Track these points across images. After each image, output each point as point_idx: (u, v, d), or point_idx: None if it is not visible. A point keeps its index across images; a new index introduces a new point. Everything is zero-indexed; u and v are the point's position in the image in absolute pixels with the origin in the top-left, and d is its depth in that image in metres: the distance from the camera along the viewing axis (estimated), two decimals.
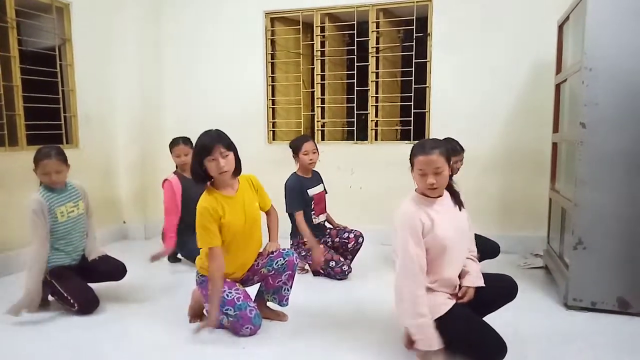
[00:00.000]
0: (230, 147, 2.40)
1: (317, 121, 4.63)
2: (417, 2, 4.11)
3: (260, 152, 4.53)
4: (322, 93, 4.62)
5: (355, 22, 4.39)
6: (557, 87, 3.51)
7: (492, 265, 3.63)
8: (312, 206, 3.47)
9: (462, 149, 3.30)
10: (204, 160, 2.35)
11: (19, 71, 3.65)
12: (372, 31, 4.33)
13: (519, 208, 4.03)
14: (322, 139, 4.66)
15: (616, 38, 2.57)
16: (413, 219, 2.06)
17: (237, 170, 2.48)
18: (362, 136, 4.57)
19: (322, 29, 4.52)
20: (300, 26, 4.54)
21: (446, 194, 2.20)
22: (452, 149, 2.75)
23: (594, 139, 2.64)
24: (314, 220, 3.47)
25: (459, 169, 3.28)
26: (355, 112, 4.50)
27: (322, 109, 4.65)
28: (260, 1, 4.53)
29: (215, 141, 2.35)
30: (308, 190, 3.45)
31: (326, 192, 3.66)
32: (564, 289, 2.83)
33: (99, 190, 4.38)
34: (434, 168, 2.03)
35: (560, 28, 3.43)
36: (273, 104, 4.73)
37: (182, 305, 2.86)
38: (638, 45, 2.54)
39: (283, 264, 2.54)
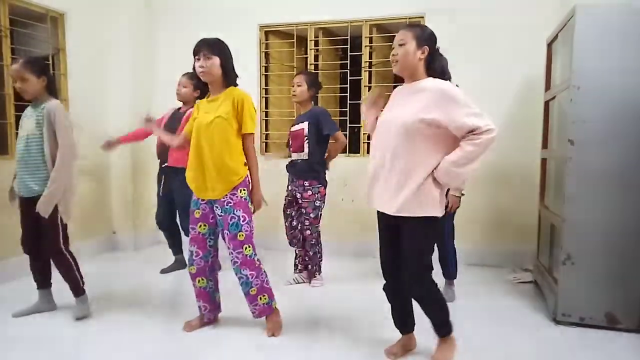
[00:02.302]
0: (217, 52, 2.46)
1: None
2: (409, 18, 4.18)
3: None
4: (316, 104, 4.64)
5: (348, 37, 4.44)
6: (547, 104, 3.57)
7: (482, 280, 3.66)
8: (289, 141, 3.54)
9: None
10: (194, 62, 2.48)
11: (12, 80, 3.63)
12: (365, 46, 4.38)
13: (509, 223, 4.06)
14: None
15: (603, 57, 2.63)
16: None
17: (227, 80, 2.53)
18: (355, 149, 4.59)
19: (316, 43, 4.57)
20: (295, 40, 4.59)
21: (420, 85, 2.10)
22: None
23: (582, 156, 2.68)
24: (291, 155, 3.53)
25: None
26: (348, 125, 4.53)
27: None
28: (255, 15, 4.58)
29: (202, 43, 2.46)
30: (291, 127, 3.54)
31: (316, 133, 3.41)
32: (552, 304, 2.85)
33: (90, 200, 4.35)
34: (399, 39, 2.10)
35: (549, 46, 3.50)
36: (266, 116, 4.75)
37: (173, 316, 2.85)
38: (624, 63, 2.60)
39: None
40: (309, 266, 3.57)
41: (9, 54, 3.63)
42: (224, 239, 2.60)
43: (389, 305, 2.37)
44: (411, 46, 2.06)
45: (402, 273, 2.21)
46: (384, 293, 2.35)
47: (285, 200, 3.58)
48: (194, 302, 2.73)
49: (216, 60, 2.45)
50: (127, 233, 4.64)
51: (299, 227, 3.56)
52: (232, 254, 2.53)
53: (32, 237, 2.81)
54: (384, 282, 2.34)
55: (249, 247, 2.53)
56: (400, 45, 2.07)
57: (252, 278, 2.54)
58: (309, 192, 3.43)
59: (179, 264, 3.91)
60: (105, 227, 4.60)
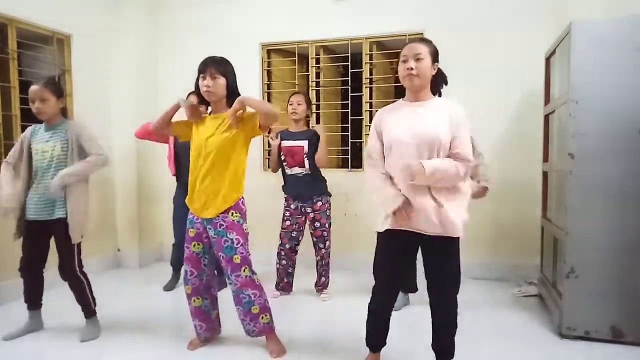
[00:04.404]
0: (224, 72, 2.47)
1: None
2: (409, 35, 4.25)
3: (256, 180, 4.57)
4: (317, 122, 4.69)
5: (349, 54, 4.51)
6: (546, 118, 3.60)
7: (487, 294, 3.64)
8: (284, 157, 3.56)
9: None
10: (199, 78, 2.49)
11: (19, 101, 3.70)
12: (366, 63, 4.44)
13: (513, 236, 4.06)
14: None
15: (600, 71, 2.66)
16: (377, 115, 2.23)
17: (231, 101, 2.49)
18: (357, 164, 4.62)
19: (317, 61, 4.64)
20: (296, 58, 4.65)
21: (437, 104, 2.13)
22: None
23: (582, 169, 2.70)
24: (286, 170, 3.57)
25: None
26: (350, 140, 4.57)
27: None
28: (257, 33, 4.66)
29: (209, 62, 2.46)
30: (283, 142, 3.55)
31: (315, 151, 3.50)
32: (557, 318, 2.84)
33: (95, 218, 4.37)
34: (415, 53, 2.05)
35: (548, 61, 3.54)
36: (268, 133, 4.78)
37: (177, 334, 2.85)
38: (621, 77, 2.64)
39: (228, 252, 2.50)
40: (322, 278, 3.60)
41: (16, 76, 3.70)
42: (219, 261, 2.57)
43: (373, 324, 2.31)
44: (428, 61, 2.07)
45: (394, 289, 2.26)
46: (373, 311, 2.29)
47: (287, 221, 3.57)
48: None
49: (222, 80, 2.47)
50: (131, 250, 4.66)
51: (298, 243, 3.62)
52: (231, 277, 2.52)
53: (38, 260, 2.82)
54: (374, 298, 2.30)
55: (246, 268, 2.51)
56: (418, 59, 2.05)
57: (254, 297, 2.53)
58: (320, 203, 3.50)
59: (175, 281, 3.95)
60: (110, 245, 4.62)
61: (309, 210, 3.51)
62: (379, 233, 2.22)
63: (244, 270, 2.51)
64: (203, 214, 2.51)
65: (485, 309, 3.33)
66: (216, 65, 2.46)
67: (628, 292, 2.66)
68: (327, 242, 3.55)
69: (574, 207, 2.72)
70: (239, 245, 2.50)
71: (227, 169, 2.48)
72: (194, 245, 2.56)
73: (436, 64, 2.12)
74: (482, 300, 3.49)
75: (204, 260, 2.58)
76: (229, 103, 2.53)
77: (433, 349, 2.23)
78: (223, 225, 2.48)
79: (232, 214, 2.51)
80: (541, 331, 2.92)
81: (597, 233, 2.69)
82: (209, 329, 2.69)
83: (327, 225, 3.53)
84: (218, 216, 2.48)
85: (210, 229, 2.51)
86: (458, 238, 2.11)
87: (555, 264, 3.22)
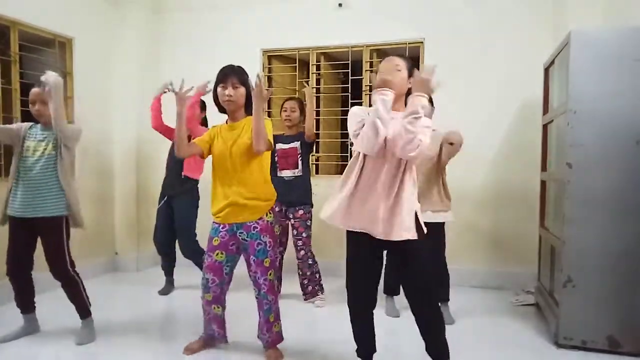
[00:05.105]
0: (243, 82, 2.50)
1: (312, 155, 4.69)
2: (409, 43, 4.28)
3: None
4: (317, 128, 4.70)
5: (349, 61, 4.53)
6: (545, 127, 3.61)
7: (484, 302, 3.64)
8: (276, 159, 3.55)
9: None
10: (217, 87, 2.49)
11: (20, 103, 3.72)
12: (366, 70, 4.47)
13: (510, 244, 4.07)
14: (317, 172, 4.72)
15: (599, 81, 2.68)
16: (360, 110, 2.15)
17: (248, 109, 2.54)
18: None
19: (318, 67, 4.66)
20: (297, 64, 4.68)
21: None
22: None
23: (580, 179, 2.71)
24: (277, 172, 3.55)
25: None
26: (349, 147, 4.58)
27: (317, 143, 4.73)
28: (258, 39, 4.68)
29: (230, 72, 2.48)
30: (277, 144, 3.53)
31: (307, 151, 3.60)
32: (554, 327, 2.84)
33: (93, 221, 4.37)
34: (394, 65, 2.10)
35: (546, 71, 3.56)
36: None
37: (173, 338, 2.84)
38: (619, 88, 2.65)
39: (260, 249, 2.50)
40: (309, 287, 3.59)
41: (18, 78, 3.72)
42: (247, 262, 2.57)
43: (357, 333, 2.30)
44: (405, 74, 2.12)
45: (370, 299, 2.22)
46: (357, 323, 2.27)
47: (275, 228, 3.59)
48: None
49: (242, 90, 2.49)
50: (129, 254, 4.66)
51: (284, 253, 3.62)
52: (260, 279, 2.53)
53: (24, 262, 2.82)
54: (354, 313, 2.26)
55: (272, 272, 2.54)
56: (397, 70, 2.11)
57: (273, 303, 2.55)
58: (301, 212, 3.50)
59: (171, 285, 3.95)
60: (108, 248, 4.62)
61: (290, 215, 3.52)
62: (347, 236, 2.22)
63: (270, 274, 2.53)
64: (233, 220, 2.50)
65: (482, 317, 3.32)
66: (237, 75, 2.48)
67: (625, 302, 2.66)
68: (303, 252, 3.50)
69: (572, 216, 2.73)
70: (270, 248, 2.53)
71: (259, 172, 2.51)
72: (217, 254, 2.53)
73: (411, 78, 2.12)
74: (479, 309, 3.49)
75: (225, 269, 2.57)
76: (247, 111, 2.56)
77: (427, 352, 2.23)
78: (257, 227, 2.50)
79: (267, 214, 2.54)
80: (538, 340, 2.91)
81: (595, 242, 2.70)
82: (224, 335, 2.72)
83: (304, 234, 3.50)
84: (252, 220, 2.50)
85: (242, 232, 2.51)
86: (423, 240, 2.11)
87: (553, 273, 3.22)
